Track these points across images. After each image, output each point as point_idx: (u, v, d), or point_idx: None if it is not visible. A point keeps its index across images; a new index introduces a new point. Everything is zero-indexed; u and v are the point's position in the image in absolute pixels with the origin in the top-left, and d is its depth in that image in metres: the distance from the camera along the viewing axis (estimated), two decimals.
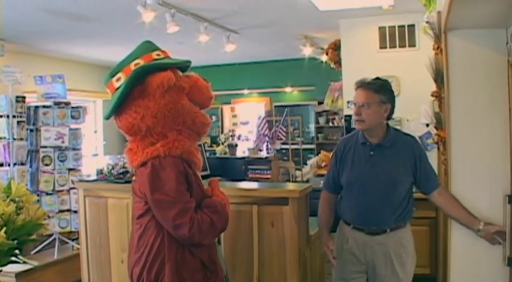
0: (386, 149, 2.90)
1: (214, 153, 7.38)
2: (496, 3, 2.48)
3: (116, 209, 3.67)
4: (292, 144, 7.54)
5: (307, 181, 6.55)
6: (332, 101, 6.76)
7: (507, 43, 2.88)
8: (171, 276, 2.10)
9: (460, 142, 2.97)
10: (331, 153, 3.26)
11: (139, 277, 2.18)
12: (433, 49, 3.28)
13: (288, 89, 10.51)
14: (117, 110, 2.19)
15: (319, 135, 10.07)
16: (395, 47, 5.88)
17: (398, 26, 5.85)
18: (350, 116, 6.07)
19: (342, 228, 3.05)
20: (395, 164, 2.88)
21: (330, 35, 6.87)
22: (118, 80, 2.17)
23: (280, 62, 10.01)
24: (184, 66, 2.34)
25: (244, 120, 11.19)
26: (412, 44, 5.81)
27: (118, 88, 2.16)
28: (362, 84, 2.92)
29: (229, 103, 11.17)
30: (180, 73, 2.28)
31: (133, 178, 2.35)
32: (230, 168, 6.22)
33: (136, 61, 2.16)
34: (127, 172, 3.80)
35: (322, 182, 5.64)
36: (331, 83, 6.90)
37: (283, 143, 7.57)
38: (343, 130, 6.36)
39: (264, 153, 7.48)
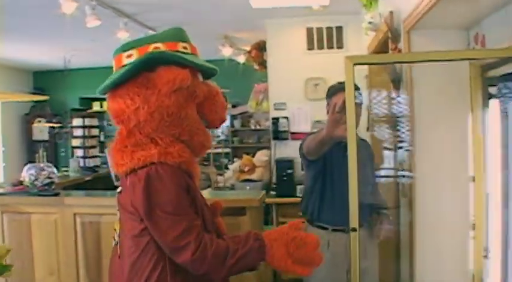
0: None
1: None
2: (465, 6, 2.43)
3: (42, 226, 3.24)
4: (216, 148, 7.27)
5: (233, 187, 6.30)
6: (256, 104, 6.58)
7: (468, 44, 2.86)
8: None
9: (423, 143, 2.95)
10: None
11: None
12: (391, 49, 3.16)
13: None
14: (114, 88, 1.84)
15: (234, 138, 9.87)
16: (323, 48, 5.80)
17: (326, 28, 5.78)
18: (277, 118, 5.95)
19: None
20: (365, 163, 2.90)
21: (251, 36, 6.72)
22: (129, 56, 1.82)
23: None
24: (208, 72, 1.99)
25: None
26: (340, 46, 5.76)
27: (125, 66, 1.82)
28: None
29: None
30: (201, 78, 1.93)
31: (119, 188, 1.94)
32: None
33: (157, 45, 1.82)
34: (52, 183, 3.36)
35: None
36: (254, 85, 6.71)
37: None
38: (269, 133, 6.18)
39: None
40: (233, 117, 9.99)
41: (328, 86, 3.09)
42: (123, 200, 1.87)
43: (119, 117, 1.83)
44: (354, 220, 2.11)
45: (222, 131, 10.01)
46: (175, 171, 1.77)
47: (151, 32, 6.28)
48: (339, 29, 5.75)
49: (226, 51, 7.24)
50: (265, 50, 6.29)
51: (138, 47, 1.83)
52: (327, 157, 2.92)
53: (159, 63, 1.80)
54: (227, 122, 10.18)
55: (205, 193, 3.52)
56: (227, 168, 7.16)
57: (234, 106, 9.70)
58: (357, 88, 2.76)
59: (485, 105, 2.81)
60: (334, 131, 2.59)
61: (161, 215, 1.72)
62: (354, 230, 2.13)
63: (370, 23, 3.90)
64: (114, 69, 1.88)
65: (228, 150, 9.41)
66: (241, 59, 7.38)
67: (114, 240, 1.97)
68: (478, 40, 2.70)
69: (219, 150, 7.90)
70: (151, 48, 1.81)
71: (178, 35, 1.91)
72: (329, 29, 5.77)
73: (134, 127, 1.80)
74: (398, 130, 3.22)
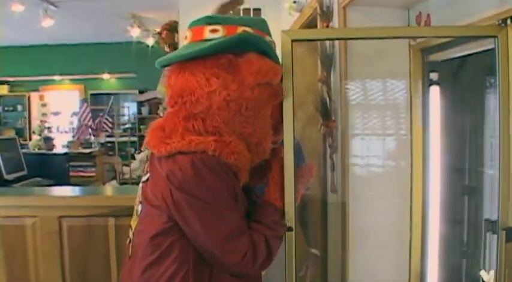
0: None
1: (24, 148, 6.37)
2: None
3: None
4: (121, 136, 6.82)
5: (140, 178, 5.88)
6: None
7: (409, 25, 2.63)
8: None
9: (357, 134, 2.74)
10: None
11: None
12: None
13: (105, 76, 9.75)
14: (184, 62, 1.55)
15: (141, 126, 9.38)
16: None
17: (243, 9, 5.45)
18: None
19: None
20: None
21: (162, 16, 6.36)
22: (214, 31, 1.58)
23: (98, 45, 9.15)
24: None
25: (55, 111, 10.09)
26: None
27: (207, 40, 1.56)
28: None
29: (38, 90, 10.03)
30: None
31: (144, 177, 1.68)
32: (50, 166, 5.29)
33: (247, 29, 1.58)
34: None
35: None
36: (164, 69, 6.30)
37: (108, 136, 6.86)
38: None
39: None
40: (140, 103, 9.64)
41: None
42: (148, 190, 1.62)
43: (183, 97, 1.55)
44: (290, 218, 1.76)
45: (128, 118, 9.59)
46: (227, 169, 1.52)
47: (51, 7, 5.76)
48: (257, 11, 5.45)
49: (135, 32, 6.87)
50: (177, 31, 5.89)
51: (225, 24, 1.60)
52: None
53: (250, 49, 1.58)
54: (134, 109, 9.81)
55: (109, 188, 3.13)
56: (133, 158, 6.78)
57: (141, 92, 9.48)
58: None
59: (426, 92, 2.61)
60: None
61: (210, 209, 1.50)
62: (290, 229, 1.79)
63: (294, 2, 3.71)
64: (189, 40, 1.63)
65: (134, 138, 9.01)
66: (150, 41, 7.06)
67: (128, 237, 1.74)
68: (421, 20, 2.47)
69: (125, 139, 7.42)
70: (240, 30, 1.59)
71: (266, 26, 1.68)
72: (246, 10, 5.45)
73: (200, 113, 1.55)
74: (328, 119, 2.94)
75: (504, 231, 1.80)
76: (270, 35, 1.69)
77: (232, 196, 1.55)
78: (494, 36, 1.79)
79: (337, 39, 2.64)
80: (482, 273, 2.17)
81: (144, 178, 1.71)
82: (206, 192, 1.50)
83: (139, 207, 1.67)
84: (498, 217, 1.81)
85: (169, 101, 1.62)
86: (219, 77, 1.54)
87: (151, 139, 1.58)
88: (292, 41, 1.77)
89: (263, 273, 1.86)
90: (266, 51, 1.60)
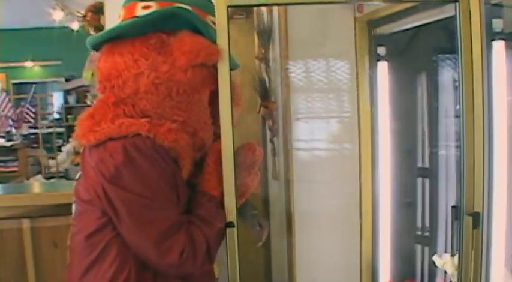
0: None
1: None
2: None
3: None
4: (47, 127, 6.51)
5: (67, 172, 5.58)
6: (92, 74, 5.88)
7: None
8: None
9: (301, 114, 2.61)
10: None
11: None
12: None
13: (28, 64, 9.39)
14: (113, 43, 1.47)
15: (68, 116, 9.09)
16: None
17: None
18: None
19: None
20: None
21: None
22: (146, 8, 1.50)
23: (19, 30, 8.80)
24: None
25: None
26: None
27: (137, 17, 1.49)
28: None
29: None
30: None
31: (77, 175, 1.55)
32: None
33: (184, 6, 1.49)
34: None
35: None
36: (90, 53, 6.00)
37: (31, 127, 6.54)
38: None
39: (1, 141, 6.44)
40: (67, 92, 9.34)
41: None
42: (80, 186, 1.49)
43: (110, 81, 1.45)
44: (230, 213, 1.57)
45: (54, 108, 9.25)
46: (164, 154, 1.39)
47: None
48: None
49: (57, 16, 6.57)
50: (102, 13, 5.61)
51: (160, 0, 1.50)
52: None
53: (183, 26, 1.48)
54: (60, 99, 9.59)
55: (31, 184, 2.89)
56: (60, 151, 6.51)
57: (67, 80, 9.18)
58: None
59: (373, 68, 2.47)
60: None
61: (143, 203, 1.37)
62: (231, 225, 1.61)
63: None
64: (121, 19, 1.53)
65: (61, 129, 8.68)
66: (75, 26, 6.73)
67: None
68: None
69: (51, 130, 7.09)
70: (175, 5, 1.49)
71: (209, 5, 1.57)
72: None
73: (127, 98, 1.44)
74: (268, 100, 2.77)
75: (470, 217, 1.69)
76: (213, 15, 1.57)
77: (172, 186, 1.43)
78: (455, 1, 1.64)
79: (278, 4, 2.47)
80: (435, 258, 2.10)
81: (76, 176, 1.59)
82: (140, 183, 1.38)
83: (73, 208, 1.57)
84: (462, 202, 1.68)
85: (98, 87, 1.54)
86: (148, 57, 1.45)
87: (80, 130, 1.47)
88: (228, 7, 1.57)
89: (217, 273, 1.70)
90: (200, 29, 1.49)
